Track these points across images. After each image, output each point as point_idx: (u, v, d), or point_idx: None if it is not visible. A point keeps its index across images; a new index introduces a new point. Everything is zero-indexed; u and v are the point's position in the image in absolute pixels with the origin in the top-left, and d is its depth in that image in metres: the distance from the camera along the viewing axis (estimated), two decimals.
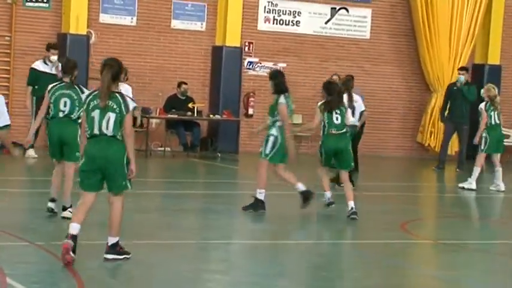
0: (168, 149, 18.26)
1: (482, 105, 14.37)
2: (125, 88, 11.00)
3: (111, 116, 7.32)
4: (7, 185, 12.36)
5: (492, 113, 14.17)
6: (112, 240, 7.55)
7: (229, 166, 17.31)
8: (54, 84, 9.55)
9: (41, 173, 13.78)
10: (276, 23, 20.08)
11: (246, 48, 19.78)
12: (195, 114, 18.25)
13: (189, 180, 14.80)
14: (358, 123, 13.44)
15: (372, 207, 12.19)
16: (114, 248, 7.55)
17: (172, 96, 18.49)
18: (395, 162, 20.11)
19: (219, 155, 18.42)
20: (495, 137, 14.22)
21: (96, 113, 7.35)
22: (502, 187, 14.36)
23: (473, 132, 16.11)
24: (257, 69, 20.02)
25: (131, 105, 7.40)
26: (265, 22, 20.00)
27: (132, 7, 18.82)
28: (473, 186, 14.24)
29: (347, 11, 20.63)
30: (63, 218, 9.26)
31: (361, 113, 13.64)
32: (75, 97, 9.30)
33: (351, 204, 10.36)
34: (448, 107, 18.32)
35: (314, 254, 8.54)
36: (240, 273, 7.57)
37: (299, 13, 20.23)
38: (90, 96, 7.46)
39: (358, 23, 20.74)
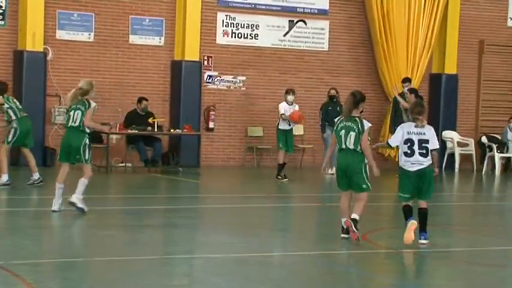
0: (129, 164, 18.19)
1: None
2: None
3: (352, 134, 9.52)
4: None
5: None
6: (355, 216, 9.64)
7: (191, 180, 17.28)
8: None
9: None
10: (235, 37, 20.13)
11: (205, 62, 19.79)
12: (156, 129, 18.19)
13: (150, 196, 14.73)
14: None
15: (334, 217, 12.22)
16: (356, 223, 9.58)
17: (132, 111, 18.41)
18: None
19: (181, 169, 18.39)
20: None
21: (342, 133, 9.59)
22: None
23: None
24: (217, 83, 20.04)
25: (366, 125, 9.56)
26: (223, 36, 20.03)
27: (89, 23, 18.74)
28: None
29: (305, 23, 20.76)
30: None
31: None
32: None
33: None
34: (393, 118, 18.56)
35: (277, 266, 8.53)
36: (204, 287, 7.54)
37: (257, 26, 20.31)
38: (339, 120, 9.68)
39: (316, 35, 20.88)
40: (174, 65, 19.48)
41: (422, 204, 9.72)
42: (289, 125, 17.21)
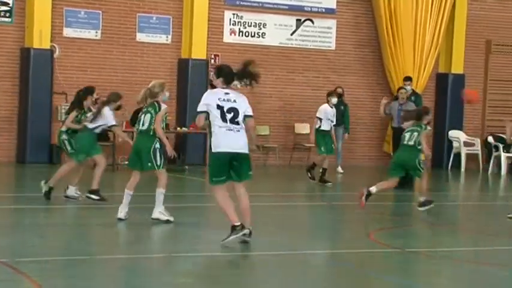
0: None
1: None
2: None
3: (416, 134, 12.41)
4: None
5: None
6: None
7: (197, 178, 17.29)
8: None
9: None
10: (242, 35, 20.13)
11: (212, 60, 19.80)
12: None
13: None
14: None
15: (340, 216, 12.24)
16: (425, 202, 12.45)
17: (138, 109, 18.38)
18: (362, 171, 20.22)
19: (187, 167, 18.39)
20: None
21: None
22: None
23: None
24: None
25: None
26: (230, 34, 20.04)
27: (96, 21, 18.76)
28: None
29: (312, 22, 20.76)
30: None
31: None
32: None
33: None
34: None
35: (282, 265, 8.54)
36: (209, 285, 7.55)
37: (264, 25, 20.31)
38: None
39: (323, 34, 20.87)
40: (181, 63, 19.49)
41: None
42: (331, 127, 16.54)
